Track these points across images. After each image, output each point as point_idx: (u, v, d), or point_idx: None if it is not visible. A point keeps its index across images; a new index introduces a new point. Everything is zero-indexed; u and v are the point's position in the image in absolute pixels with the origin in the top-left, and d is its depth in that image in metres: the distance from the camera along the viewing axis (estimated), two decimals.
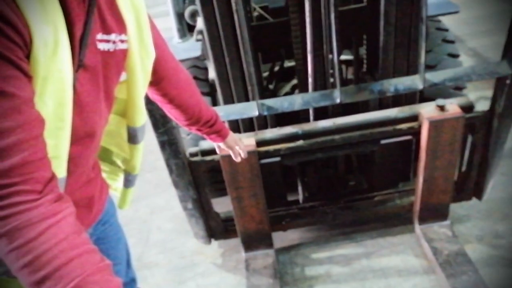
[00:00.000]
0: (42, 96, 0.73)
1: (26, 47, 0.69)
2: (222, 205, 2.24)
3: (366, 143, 2.00)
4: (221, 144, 1.50)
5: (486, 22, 4.34)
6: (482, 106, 2.02)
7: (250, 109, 1.81)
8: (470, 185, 2.16)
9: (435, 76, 1.80)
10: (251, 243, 2.18)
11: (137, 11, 0.96)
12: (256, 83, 1.86)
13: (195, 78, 2.32)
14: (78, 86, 0.82)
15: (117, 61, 0.93)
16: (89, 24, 0.81)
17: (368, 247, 2.22)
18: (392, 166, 2.15)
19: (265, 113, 1.81)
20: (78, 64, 0.82)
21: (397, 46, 1.90)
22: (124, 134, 1.12)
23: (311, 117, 2.04)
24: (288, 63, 2.66)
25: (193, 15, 2.22)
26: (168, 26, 2.21)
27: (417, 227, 2.19)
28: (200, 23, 2.02)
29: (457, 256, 2.00)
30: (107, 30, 0.88)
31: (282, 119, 2.10)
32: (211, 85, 2.30)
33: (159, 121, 1.74)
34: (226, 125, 2.06)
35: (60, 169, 0.82)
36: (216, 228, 2.19)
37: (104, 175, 1.17)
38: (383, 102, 2.09)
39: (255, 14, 2.34)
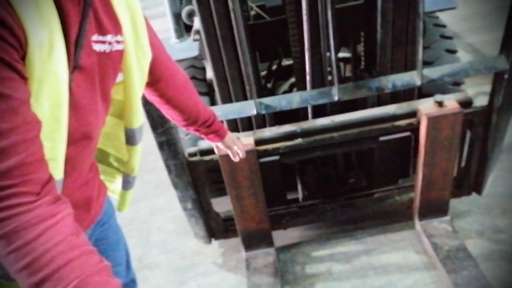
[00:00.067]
0: (38, 97, 0.73)
1: (22, 49, 0.69)
2: (222, 205, 2.24)
3: (365, 140, 2.00)
4: (219, 144, 1.49)
5: (483, 18, 4.33)
6: (480, 101, 2.01)
7: (248, 108, 1.81)
8: (469, 180, 2.16)
9: (433, 72, 1.80)
10: (251, 242, 2.18)
11: (133, 12, 0.95)
12: (254, 82, 1.86)
13: (193, 78, 2.32)
14: (74, 87, 0.82)
15: (113, 62, 0.93)
16: (84, 25, 0.81)
17: (368, 244, 2.22)
18: (391, 162, 2.15)
19: (263, 112, 1.81)
20: (74, 66, 0.81)
21: (394, 43, 1.89)
22: (122, 136, 1.11)
23: (310, 115, 2.04)
24: (286, 62, 2.67)
25: (190, 15, 2.21)
26: (168, 27, 2.21)
27: (417, 223, 2.19)
28: (197, 23, 2.03)
29: (457, 252, 2.00)
30: (102, 31, 0.88)
31: (281, 117, 2.10)
32: (209, 85, 2.30)
33: (157, 122, 1.74)
34: (225, 124, 2.07)
35: (57, 171, 0.81)
36: (216, 228, 2.19)
37: (102, 177, 1.17)
38: (382, 99, 2.09)
39: (252, 13, 2.34)
